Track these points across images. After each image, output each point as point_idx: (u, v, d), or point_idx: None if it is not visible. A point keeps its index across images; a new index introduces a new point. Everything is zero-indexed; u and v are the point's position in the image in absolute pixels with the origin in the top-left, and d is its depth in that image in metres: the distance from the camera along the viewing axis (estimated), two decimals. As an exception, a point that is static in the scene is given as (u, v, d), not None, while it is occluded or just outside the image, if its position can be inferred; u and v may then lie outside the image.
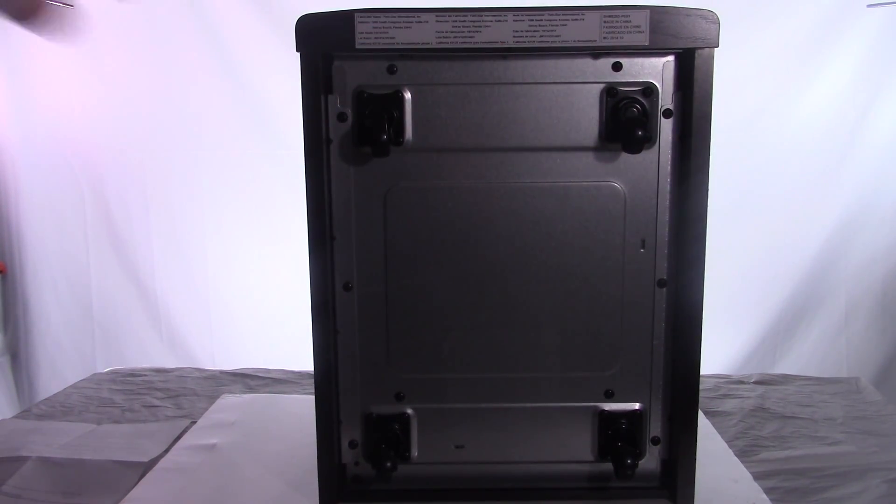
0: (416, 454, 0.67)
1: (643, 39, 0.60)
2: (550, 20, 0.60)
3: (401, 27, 0.60)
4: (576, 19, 0.60)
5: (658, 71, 0.62)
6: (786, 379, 1.08)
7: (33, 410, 1.00)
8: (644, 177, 0.63)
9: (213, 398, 1.00)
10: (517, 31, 0.60)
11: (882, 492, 0.71)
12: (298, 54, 0.61)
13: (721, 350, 1.80)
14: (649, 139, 0.62)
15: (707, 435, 0.83)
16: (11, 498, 0.72)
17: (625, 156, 0.63)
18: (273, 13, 1.73)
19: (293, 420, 0.89)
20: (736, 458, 0.78)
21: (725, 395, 1.01)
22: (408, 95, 0.62)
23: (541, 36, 0.60)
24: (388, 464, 0.64)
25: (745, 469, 0.75)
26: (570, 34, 0.60)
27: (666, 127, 0.63)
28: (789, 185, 1.80)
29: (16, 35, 1.67)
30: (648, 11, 0.60)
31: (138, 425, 0.92)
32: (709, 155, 0.61)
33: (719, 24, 0.59)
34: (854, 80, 1.75)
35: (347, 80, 0.62)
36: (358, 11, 0.60)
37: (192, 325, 1.92)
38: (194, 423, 0.90)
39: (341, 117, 0.62)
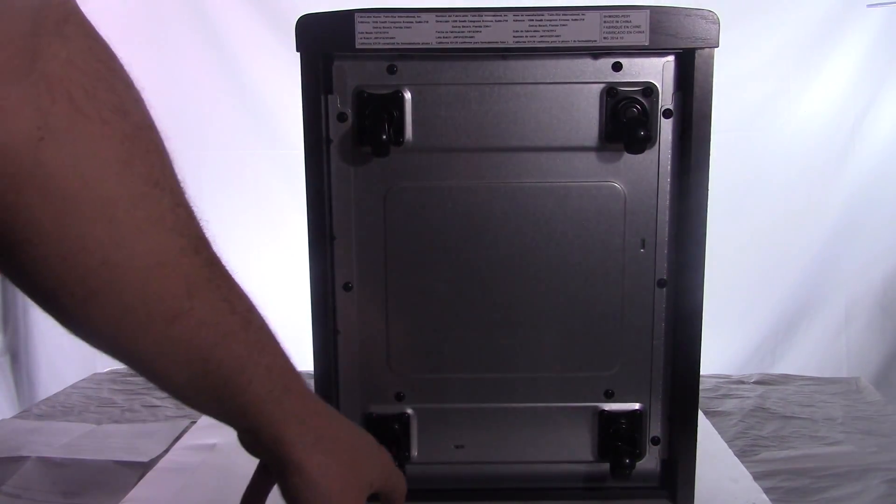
0: (416, 454, 0.67)
1: (643, 39, 0.60)
2: (550, 20, 0.60)
3: (401, 27, 0.60)
4: (576, 19, 0.60)
5: (658, 71, 0.62)
6: (786, 379, 1.08)
7: (33, 410, 1.00)
8: (644, 177, 0.63)
9: (213, 398, 1.00)
10: (517, 31, 0.60)
11: (882, 492, 0.71)
12: (298, 54, 0.61)
13: (721, 350, 1.80)
14: (651, 139, 0.62)
15: (707, 435, 0.83)
16: (11, 498, 0.72)
17: (625, 156, 0.63)
18: (273, 13, 1.73)
19: (293, 420, 0.89)
20: (736, 458, 0.78)
21: (725, 395, 1.01)
22: (408, 95, 0.62)
23: (541, 36, 0.60)
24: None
25: (745, 469, 0.75)
26: (570, 34, 0.60)
27: (666, 127, 0.63)
28: (789, 184, 1.80)
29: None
30: (648, 11, 0.60)
31: (138, 425, 0.92)
32: (709, 155, 0.61)
33: (719, 24, 0.59)
34: (854, 80, 1.75)
35: (347, 80, 0.62)
36: (358, 11, 0.60)
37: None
38: (194, 423, 0.90)
39: (341, 117, 0.62)
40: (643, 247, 0.64)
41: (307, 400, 0.46)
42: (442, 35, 0.60)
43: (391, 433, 0.66)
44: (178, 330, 0.38)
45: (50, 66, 0.32)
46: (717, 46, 0.60)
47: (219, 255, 0.41)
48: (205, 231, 0.39)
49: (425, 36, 0.60)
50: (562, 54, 0.61)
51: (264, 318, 0.44)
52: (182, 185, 0.38)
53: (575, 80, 0.62)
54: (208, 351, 0.39)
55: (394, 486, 0.53)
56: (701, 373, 0.65)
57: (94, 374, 1.16)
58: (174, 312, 0.37)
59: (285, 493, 0.46)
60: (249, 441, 0.46)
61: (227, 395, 0.41)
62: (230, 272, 0.41)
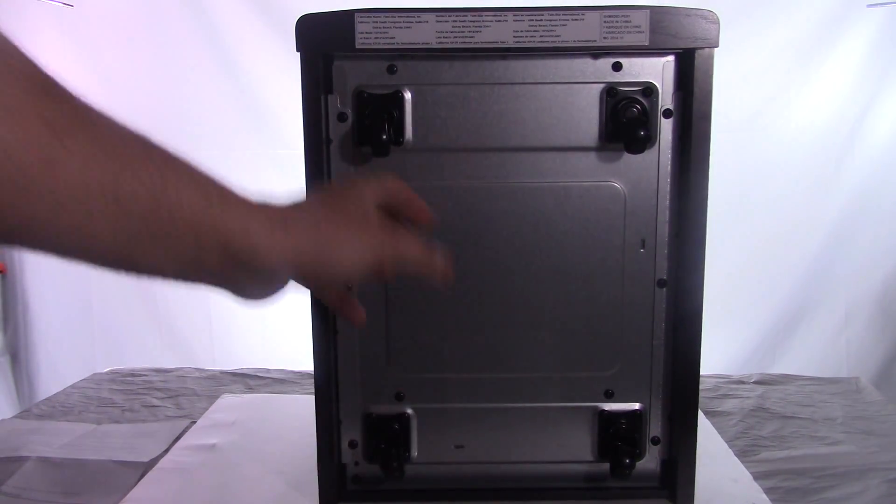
0: (416, 454, 0.67)
1: (643, 39, 0.60)
2: (550, 20, 0.60)
3: (401, 27, 0.60)
4: (576, 19, 0.60)
5: (658, 71, 0.62)
6: (786, 379, 1.08)
7: (33, 410, 1.00)
8: (644, 177, 0.63)
9: (213, 398, 1.00)
10: (517, 31, 0.60)
11: (882, 492, 0.71)
12: (298, 54, 0.61)
13: (721, 350, 1.80)
14: (651, 139, 0.62)
15: (707, 435, 0.83)
16: (11, 498, 0.72)
17: (625, 156, 0.63)
18: (273, 13, 1.73)
19: (293, 420, 0.89)
20: (736, 458, 0.78)
21: (725, 395, 1.01)
22: (408, 95, 0.62)
23: (541, 36, 0.60)
24: (395, 464, 0.64)
25: (745, 469, 0.75)
26: (570, 34, 0.60)
27: (666, 127, 0.63)
28: (789, 184, 1.81)
29: (15, 34, 1.67)
30: (648, 11, 0.60)
31: (138, 425, 0.92)
32: (708, 155, 0.61)
33: (719, 24, 0.60)
34: (854, 80, 1.75)
35: (347, 80, 0.62)
36: (358, 11, 0.60)
37: (192, 325, 1.92)
38: (194, 423, 0.90)
39: (341, 117, 0.62)
40: (643, 247, 0.64)
41: (250, 202, 0.45)
42: (442, 35, 0.60)
43: (391, 433, 0.66)
44: (64, 177, 0.35)
45: None
46: (717, 46, 0.60)
47: (85, 99, 0.38)
48: (61, 81, 0.37)
49: (425, 36, 0.60)
50: (562, 54, 0.61)
51: (172, 149, 0.42)
52: (14, 41, 0.36)
53: (575, 80, 0.62)
54: (113, 187, 0.37)
55: (396, 191, 0.53)
56: (701, 373, 0.65)
57: (94, 373, 1.16)
58: (48, 158, 0.34)
59: (305, 284, 0.48)
60: (239, 277, 0.45)
61: (166, 226, 0.40)
62: (110, 114, 0.40)
